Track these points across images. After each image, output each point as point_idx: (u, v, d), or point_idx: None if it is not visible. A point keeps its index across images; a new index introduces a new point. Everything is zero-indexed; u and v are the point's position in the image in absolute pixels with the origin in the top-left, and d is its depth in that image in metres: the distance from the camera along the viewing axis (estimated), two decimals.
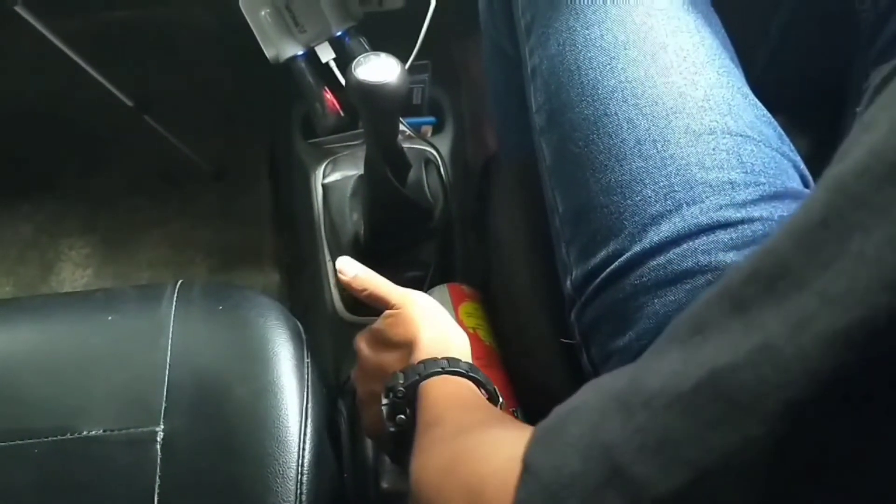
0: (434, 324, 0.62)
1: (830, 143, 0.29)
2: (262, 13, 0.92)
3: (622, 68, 0.59)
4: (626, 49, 0.60)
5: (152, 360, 0.62)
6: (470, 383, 0.57)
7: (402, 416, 0.57)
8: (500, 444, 0.37)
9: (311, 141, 1.05)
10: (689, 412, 0.23)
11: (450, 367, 0.56)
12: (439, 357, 0.57)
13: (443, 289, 0.85)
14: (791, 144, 0.64)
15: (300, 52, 0.93)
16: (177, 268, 1.18)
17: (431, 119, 1.09)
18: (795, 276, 0.22)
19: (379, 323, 0.65)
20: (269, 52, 0.92)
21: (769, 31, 0.80)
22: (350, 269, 0.68)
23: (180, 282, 0.68)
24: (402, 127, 0.92)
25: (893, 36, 0.68)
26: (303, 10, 0.93)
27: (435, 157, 0.98)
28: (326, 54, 0.94)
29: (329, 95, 0.96)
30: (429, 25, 0.90)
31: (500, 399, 0.58)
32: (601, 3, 0.61)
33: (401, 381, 0.57)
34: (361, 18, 0.97)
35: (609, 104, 0.59)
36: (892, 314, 0.19)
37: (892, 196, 0.20)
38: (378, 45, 0.99)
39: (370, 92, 0.67)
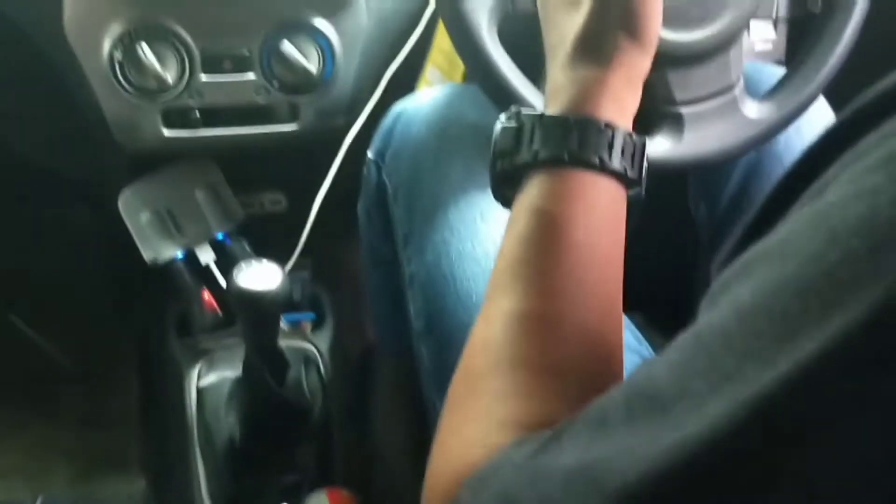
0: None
1: None
2: (143, 217, 0.93)
3: None
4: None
5: None
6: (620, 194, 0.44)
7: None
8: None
9: (185, 339, 1.03)
10: (573, 495, 0.29)
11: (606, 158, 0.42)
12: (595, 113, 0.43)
13: (321, 495, 0.83)
14: (649, 344, 0.69)
15: (179, 255, 0.94)
16: (34, 476, 1.09)
17: (311, 315, 1.10)
18: (658, 405, 0.28)
19: None
20: (147, 255, 0.92)
21: None
22: None
23: (40, 499, 0.64)
24: (281, 324, 0.93)
25: (733, 241, 0.77)
26: (184, 213, 0.94)
27: (314, 354, 0.98)
28: (206, 256, 0.95)
29: (207, 296, 0.96)
30: (311, 226, 0.93)
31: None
32: (472, 220, 0.66)
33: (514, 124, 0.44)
34: (243, 219, 1.00)
35: None
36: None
37: (708, 373, 0.27)
38: (260, 245, 1.02)
39: (251, 300, 0.69)
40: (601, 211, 0.43)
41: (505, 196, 0.46)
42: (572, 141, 0.42)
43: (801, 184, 0.31)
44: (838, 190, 0.27)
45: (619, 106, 0.44)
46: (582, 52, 0.44)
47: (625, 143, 0.43)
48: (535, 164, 0.43)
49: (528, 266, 0.42)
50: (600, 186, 0.43)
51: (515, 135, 0.44)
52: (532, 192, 0.43)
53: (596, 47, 0.44)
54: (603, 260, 0.43)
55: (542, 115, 0.44)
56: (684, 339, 0.30)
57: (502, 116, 0.46)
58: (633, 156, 0.44)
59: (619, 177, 0.43)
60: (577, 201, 0.42)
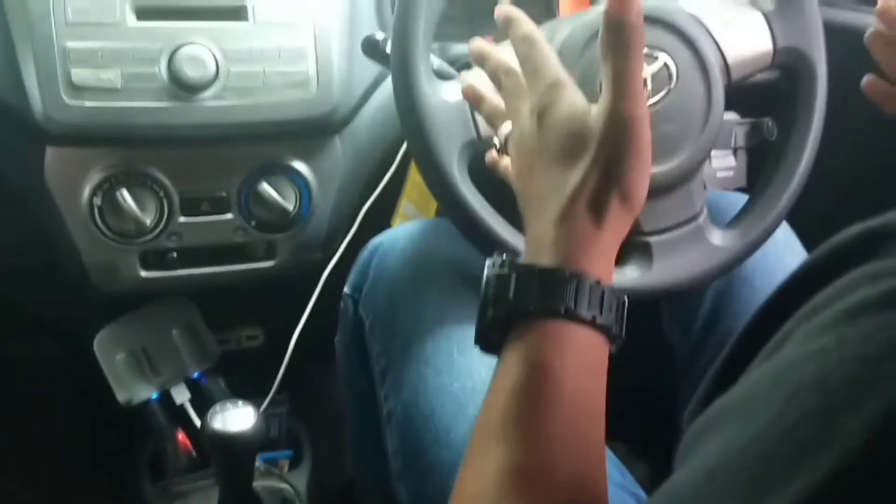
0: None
1: (668, 467, 0.34)
2: (118, 357, 0.92)
3: (472, 415, 0.62)
4: (474, 395, 0.64)
5: None
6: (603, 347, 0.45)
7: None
8: None
9: (159, 482, 1.00)
10: None
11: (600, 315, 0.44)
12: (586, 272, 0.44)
13: None
14: (632, 476, 0.68)
15: (154, 395, 0.92)
16: None
17: (288, 453, 1.07)
18: None
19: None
20: (121, 397, 0.91)
21: None
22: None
23: None
24: (257, 464, 0.90)
25: (703, 371, 0.77)
26: (160, 353, 0.93)
27: (291, 495, 0.95)
28: (181, 395, 0.93)
29: (182, 436, 0.94)
30: (288, 361, 0.92)
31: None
32: (448, 354, 0.66)
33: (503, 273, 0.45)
34: (220, 356, 0.99)
35: (462, 450, 0.61)
36: None
37: None
38: (236, 380, 1.00)
39: (226, 442, 0.67)
40: (592, 364, 0.44)
41: (491, 342, 0.47)
42: (568, 296, 0.43)
43: (760, 336, 0.32)
44: (794, 347, 0.28)
45: (608, 265, 0.46)
46: (579, 210, 0.45)
47: (611, 299, 0.45)
48: (529, 315, 0.44)
49: (522, 419, 0.42)
50: (592, 341, 0.44)
51: (508, 283, 0.45)
52: (527, 341, 0.44)
53: (594, 207, 0.45)
54: (592, 410, 0.43)
55: (536, 267, 0.45)
56: (662, 495, 0.30)
57: (491, 262, 0.47)
58: (617, 311, 0.45)
59: (608, 332, 0.45)
60: (571, 355, 0.43)
